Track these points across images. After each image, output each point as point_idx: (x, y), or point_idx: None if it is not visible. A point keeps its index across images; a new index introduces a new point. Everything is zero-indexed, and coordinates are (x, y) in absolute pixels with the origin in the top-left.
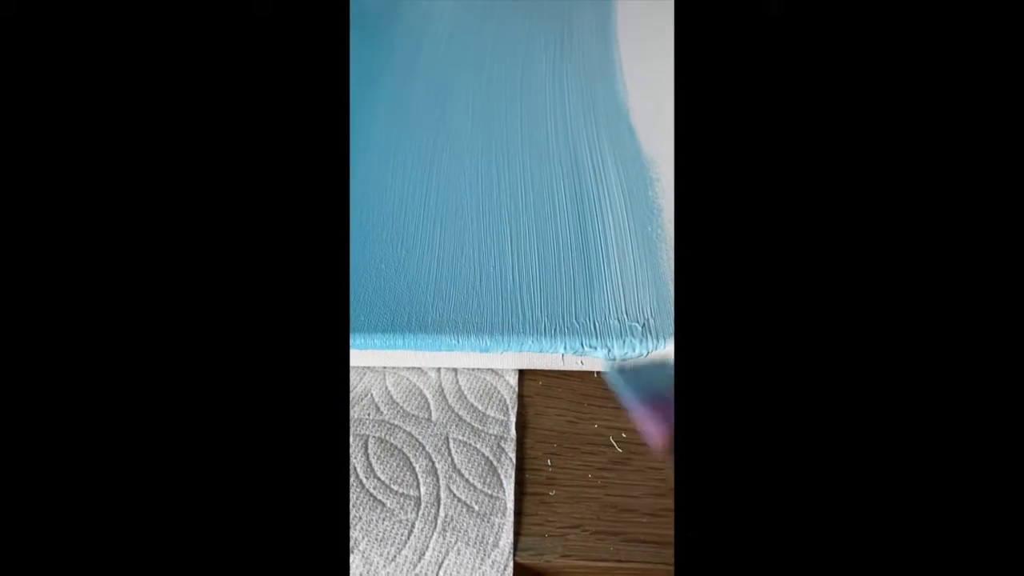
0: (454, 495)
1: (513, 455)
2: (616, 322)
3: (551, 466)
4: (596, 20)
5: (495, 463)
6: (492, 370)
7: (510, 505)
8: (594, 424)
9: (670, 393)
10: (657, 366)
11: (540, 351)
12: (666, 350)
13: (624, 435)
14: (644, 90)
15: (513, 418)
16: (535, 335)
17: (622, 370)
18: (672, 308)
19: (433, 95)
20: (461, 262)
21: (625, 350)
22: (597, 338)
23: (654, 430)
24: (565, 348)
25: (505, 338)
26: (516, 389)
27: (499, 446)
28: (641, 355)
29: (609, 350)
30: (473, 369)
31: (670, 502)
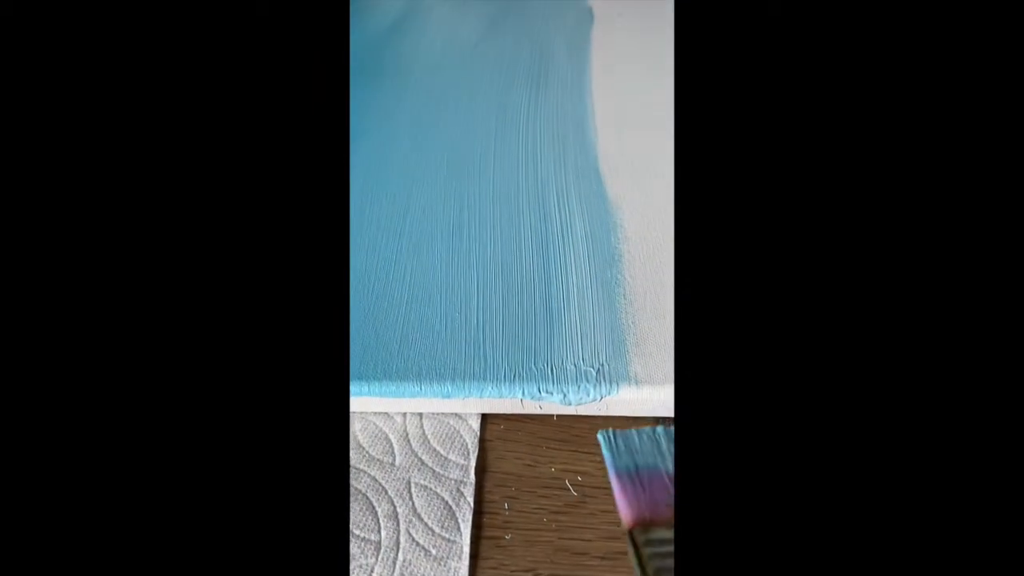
0: (413, 539)
1: (471, 499)
2: (572, 367)
3: (508, 510)
4: (572, 68)
5: (454, 507)
6: (456, 414)
7: (466, 549)
8: (551, 467)
9: (649, 469)
10: (646, 437)
11: (500, 396)
12: (619, 395)
13: (580, 478)
14: (613, 134)
15: (473, 462)
16: (495, 381)
17: (609, 439)
18: (626, 358)
19: (411, 143)
20: (427, 310)
21: (580, 395)
22: (554, 383)
23: (623, 504)
24: (523, 393)
25: (467, 384)
26: (478, 433)
27: (459, 490)
28: (595, 400)
29: (564, 395)
30: (438, 414)
31: (623, 545)
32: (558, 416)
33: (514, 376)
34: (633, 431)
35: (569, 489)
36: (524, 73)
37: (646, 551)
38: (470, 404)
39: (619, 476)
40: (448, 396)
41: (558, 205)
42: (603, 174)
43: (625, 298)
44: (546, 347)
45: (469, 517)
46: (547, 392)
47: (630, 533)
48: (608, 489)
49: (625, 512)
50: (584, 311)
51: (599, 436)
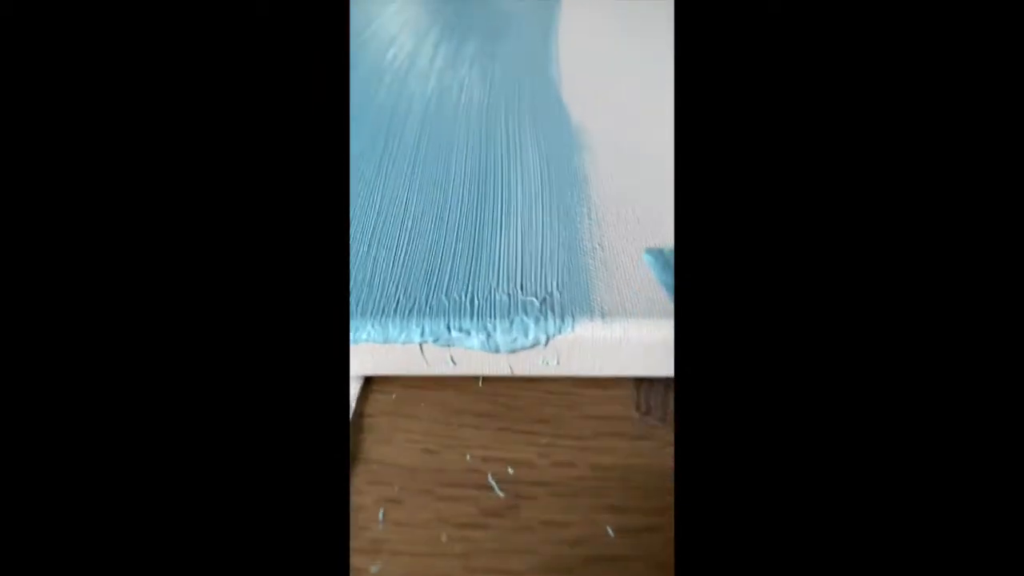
0: None
1: None
2: (505, 297)
3: (384, 521)
4: (536, 22)
5: None
6: None
7: None
8: (464, 455)
9: None
10: None
11: (386, 340)
12: (574, 334)
13: (512, 470)
14: (581, 69)
15: None
16: (380, 317)
17: (659, 257)
18: (587, 284)
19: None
20: None
21: (513, 334)
22: (472, 318)
23: None
24: (424, 334)
25: None
26: (353, 405)
27: None
28: (537, 342)
29: (488, 334)
30: None
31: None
32: (484, 380)
33: (411, 310)
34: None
35: (492, 488)
36: (480, 33)
37: None
38: None
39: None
40: None
41: (506, 128)
42: (566, 102)
43: (591, 218)
44: (465, 274)
45: None
46: (460, 330)
47: None
48: (555, 490)
49: None
50: (529, 235)
51: (645, 257)
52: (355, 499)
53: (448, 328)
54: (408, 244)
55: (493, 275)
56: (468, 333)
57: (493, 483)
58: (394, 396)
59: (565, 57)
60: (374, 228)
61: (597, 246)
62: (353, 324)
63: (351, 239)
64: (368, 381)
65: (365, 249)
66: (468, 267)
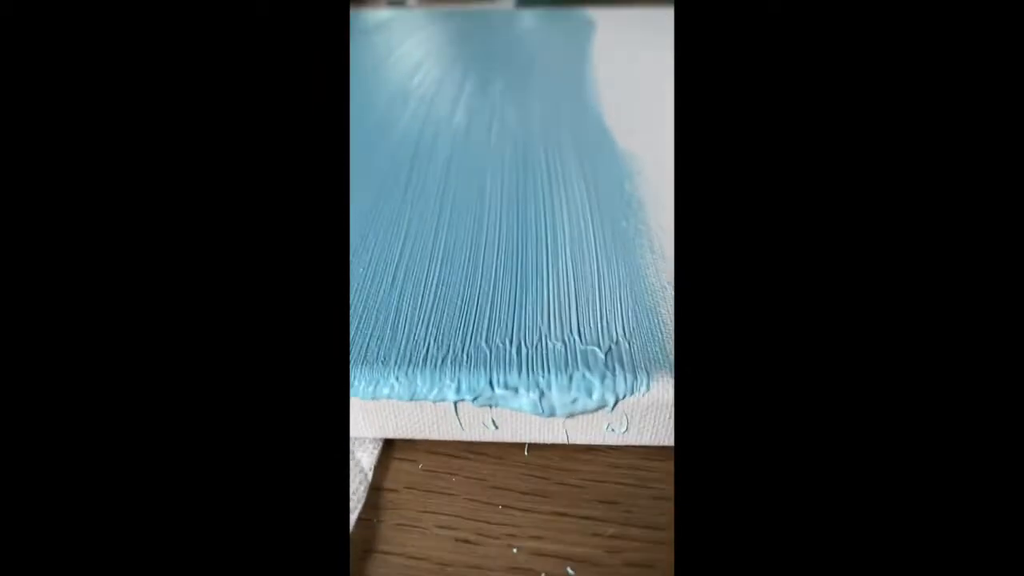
0: None
1: None
2: (560, 345)
3: None
4: (569, 54)
5: None
6: None
7: None
8: (510, 548)
9: None
10: None
11: (413, 397)
12: (649, 394)
13: (571, 570)
14: (621, 94)
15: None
16: (407, 367)
17: None
18: (662, 331)
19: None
20: None
21: (573, 393)
22: (521, 372)
23: None
24: (460, 390)
25: (353, 371)
26: (369, 476)
27: None
28: (604, 403)
29: (542, 393)
30: None
31: None
32: (531, 447)
33: (444, 359)
34: None
35: None
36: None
37: None
38: (356, 419)
39: None
40: None
41: (545, 154)
42: (610, 128)
43: (653, 251)
44: (511, 315)
45: None
46: (508, 388)
47: None
48: None
49: None
50: (583, 270)
51: None
52: None
53: (491, 384)
54: (439, 281)
55: (543, 319)
56: (516, 391)
57: None
58: (420, 466)
59: (603, 82)
60: (398, 261)
61: (667, 284)
62: (372, 375)
63: (371, 274)
64: (388, 445)
65: (389, 283)
66: (512, 308)
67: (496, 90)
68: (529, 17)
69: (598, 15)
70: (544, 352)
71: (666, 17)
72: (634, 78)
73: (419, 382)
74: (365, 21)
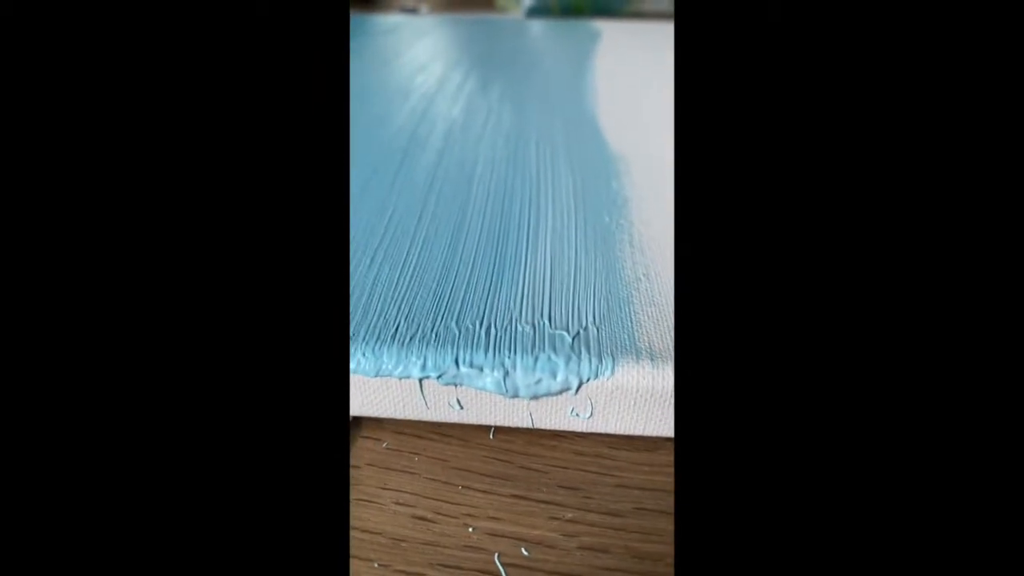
0: None
1: None
2: (529, 328)
3: None
4: (571, 57)
5: None
6: None
7: None
8: (466, 527)
9: None
10: None
11: (378, 373)
12: (614, 379)
13: (526, 551)
14: (620, 101)
15: None
16: (375, 343)
17: None
18: (631, 319)
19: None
20: None
21: (537, 374)
22: (487, 352)
23: None
24: (425, 367)
25: None
26: None
27: None
28: (567, 386)
29: (507, 373)
30: None
31: None
32: (496, 431)
33: (412, 337)
34: None
35: (499, 571)
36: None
37: None
38: None
39: None
40: None
41: (536, 151)
42: (604, 132)
43: (632, 245)
44: (484, 298)
45: None
46: (473, 366)
47: None
48: None
49: None
50: (560, 259)
51: None
52: None
53: (456, 362)
54: (417, 263)
55: (515, 302)
56: (480, 370)
57: (501, 567)
58: (385, 444)
59: (602, 88)
60: (380, 242)
61: (642, 276)
62: None
63: (351, 253)
64: (355, 424)
65: (367, 265)
66: (485, 292)
67: (496, 90)
68: (537, 26)
69: (604, 26)
70: (512, 334)
71: (669, 30)
72: (633, 85)
73: (385, 358)
74: (376, 25)
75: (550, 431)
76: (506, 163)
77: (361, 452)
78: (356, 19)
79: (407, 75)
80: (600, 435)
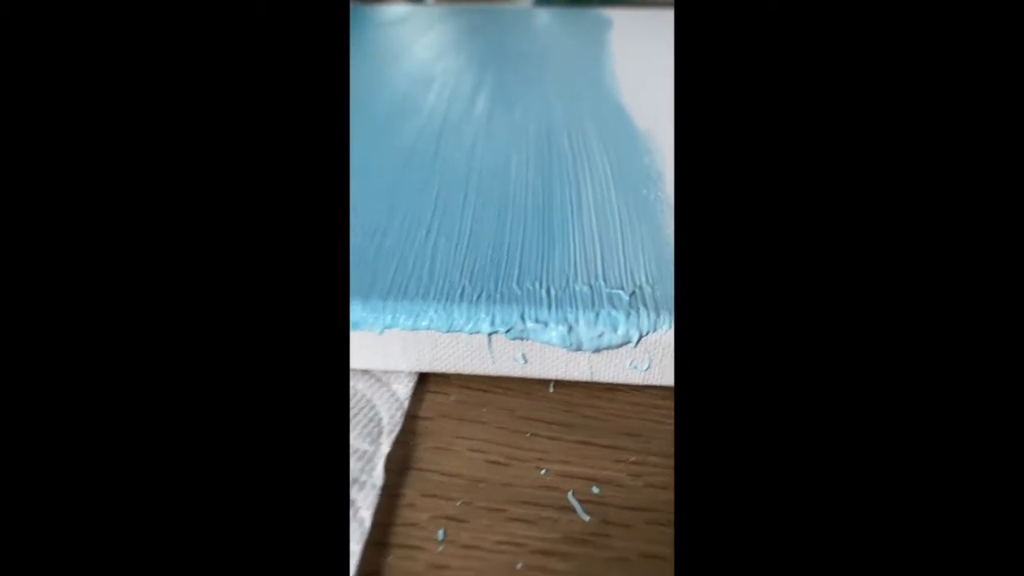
0: None
1: (369, 516)
2: (586, 288)
3: (445, 541)
4: (587, 44)
5: None
6: (367, 372)
7: None
8: (538, 469)
9: None
10: None
11: (450, 328)
12: (671, 333)
13: (597, 490)
14: (640, 85)
15: (385, 448)
16: (444, 301)
17: None
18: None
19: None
20: (359, 216)
21: (599, 328)
22: (550, 308)
23: None
24: (494, 323)
25: (391, 305)
26: (405, 404)
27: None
28: (628, 339)
29: (570, 327)
30: None
31: None
32: (555, 385)
33: (479, 296)
34: None
35: (575, 509)
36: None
37: None
38: (394, 353)
39: None
40: (354, 325)
41: (568, 131)
42: (628, 111)
43: (671, 218)
44: (539, 263)
45: (357, 551)
46: (538, 321)
47: None
48: (652, 517)
49: None
50: (606, 227)
51: None
52: (406, 513)
53: (522, 317)
54: (471, 234)
55: (569, 266)
56: (545, 325)
57: (576, 504)
58: (453, 398)
59: (621, 71)
60: (432, 216)
61: None
62: (413, 308)
63: (405, 228)
64: (423, 379)
65: (423, 236)
66: (540, 258)
67: (517, 77)
68: (547, 14)
69: (614, 14)
70: (572, 293)
71: None
72: (651, 69)
73: (456, 314)
74: (384, 15)
75: (605, 384)
76: (540, 144)
77: (431, 405)
78: (365, 9)
79: (425, 63)
80: (653, 388)
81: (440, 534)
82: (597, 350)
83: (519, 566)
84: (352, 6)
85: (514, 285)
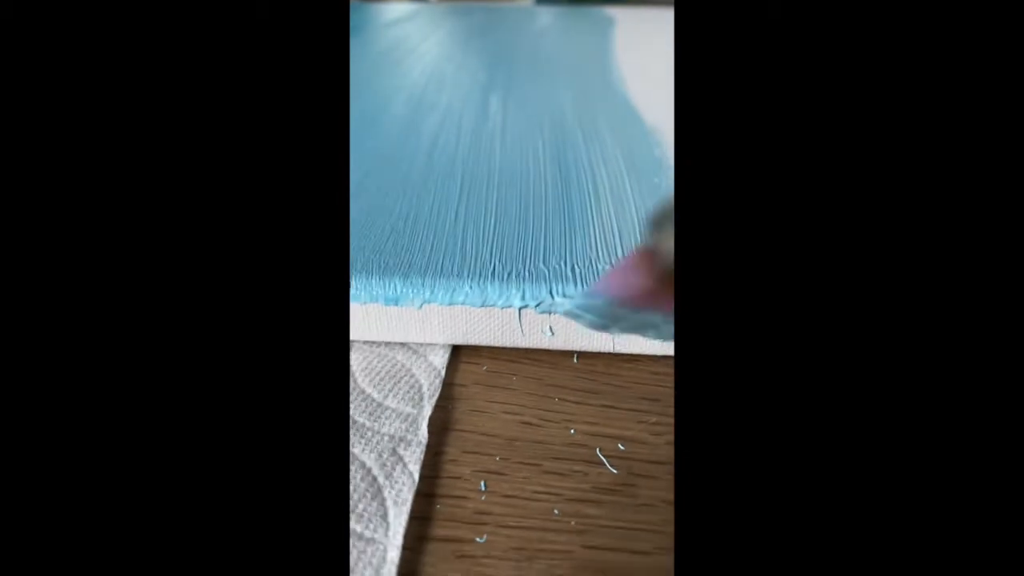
0: None
1: (417, 469)
2: (609, 267)
3: (487, 491)
4: (594, 42)
5: (382, 482)
6: (406, 345)
7: (394, 554)
8: (568, 429)
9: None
10: None
11: (484, 303)
12: None
13: (622, 446)
14: (646, 80)
15: (428, 411)
16: (478, 279)
17: None
18: None
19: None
20: (391, 202)
21: None
22: (576, 284)
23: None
24: (524, 298)
25: (429, 282)
26: (442, 373)
27: (395, 452)
28: None
29: None
30: (375, 343)
31: None
32: (579, 356)
33: (509, 275)
34: None
35: (603, 463)
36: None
37: None
38: (431, 326)
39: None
40: (395, 301)
41: (580, 125)
42: (635, 104)
43: None
44: (563, 244)
45: (409, 498)
46: (564, 294)
47: None
48: (674, 469)
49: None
50: (623, 212)
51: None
52: (449, 468)
53: (551, 293)
54: (496, 219)
55: (592, 247)
56: (572, 298)
57: (603, 458)
58: (484, 368)
59: (626, 68)
60: (458, 202)
61: None
62: (449, 284)
63: (435, 211)
64: (456, 352)
65: (452, 219)
66: (563, 240)
67: (526, 74)
68: (550, 12)
69: (617, 13)
70: (596, 272)
71: None
72: (656, 67)
73: (489, 290)
74: (389, 14)
75: (625, 356)
76: (555, 137)
77: (465, 374)
78: (374, 7)
79: (437, 60)
80: (671, 358)
81: (482, 485)
82: None
83: (556, 512)
84: (352, 5)
85: (541, 264)
